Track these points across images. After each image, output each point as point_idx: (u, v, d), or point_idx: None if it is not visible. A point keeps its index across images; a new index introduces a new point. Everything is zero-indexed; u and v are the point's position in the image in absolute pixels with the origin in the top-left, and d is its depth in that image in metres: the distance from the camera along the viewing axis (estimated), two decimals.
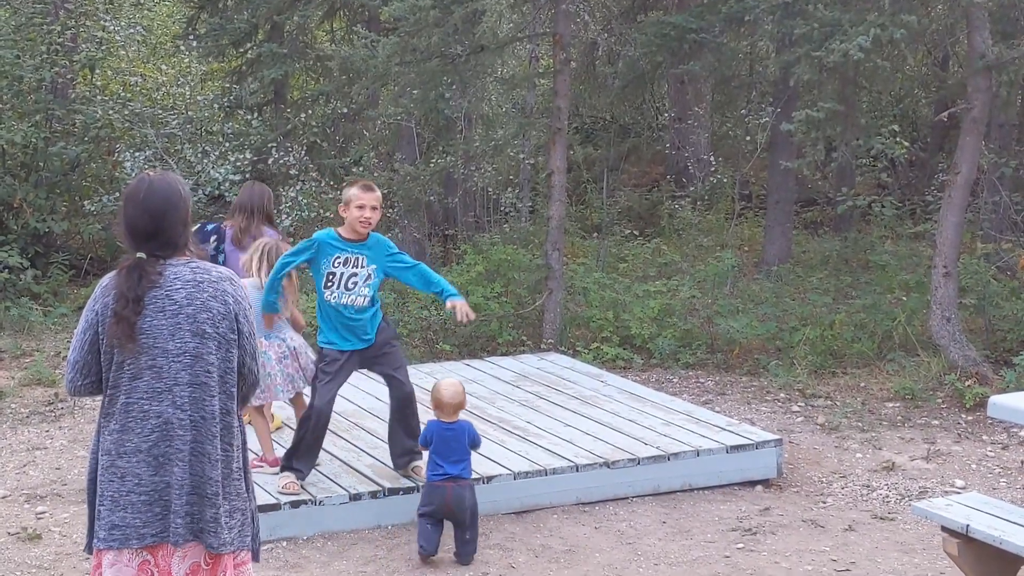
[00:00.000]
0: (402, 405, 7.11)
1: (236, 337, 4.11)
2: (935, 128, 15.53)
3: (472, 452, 6.66)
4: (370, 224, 6.93)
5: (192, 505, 4.03)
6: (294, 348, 7.25)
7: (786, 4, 10.13)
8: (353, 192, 6.95)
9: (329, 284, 6.92)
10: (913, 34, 9.90)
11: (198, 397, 4.04)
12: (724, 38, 12.48)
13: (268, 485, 6.92)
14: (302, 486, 6.94)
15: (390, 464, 7.28)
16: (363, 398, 8.73)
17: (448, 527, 6.57)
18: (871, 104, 15.62)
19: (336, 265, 6.90)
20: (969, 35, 9.90)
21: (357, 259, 6.94)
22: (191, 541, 4.03)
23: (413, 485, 7.00)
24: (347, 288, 6.91)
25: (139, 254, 4.06)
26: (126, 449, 4.03)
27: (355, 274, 6.93)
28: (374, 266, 6.96)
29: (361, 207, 6.88)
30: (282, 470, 7.01)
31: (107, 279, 4.11)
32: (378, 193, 7.01)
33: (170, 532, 4.02)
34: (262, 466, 7.11)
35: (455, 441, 6.53)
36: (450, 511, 6.48)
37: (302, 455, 6.99)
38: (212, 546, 4.04)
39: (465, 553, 6.51)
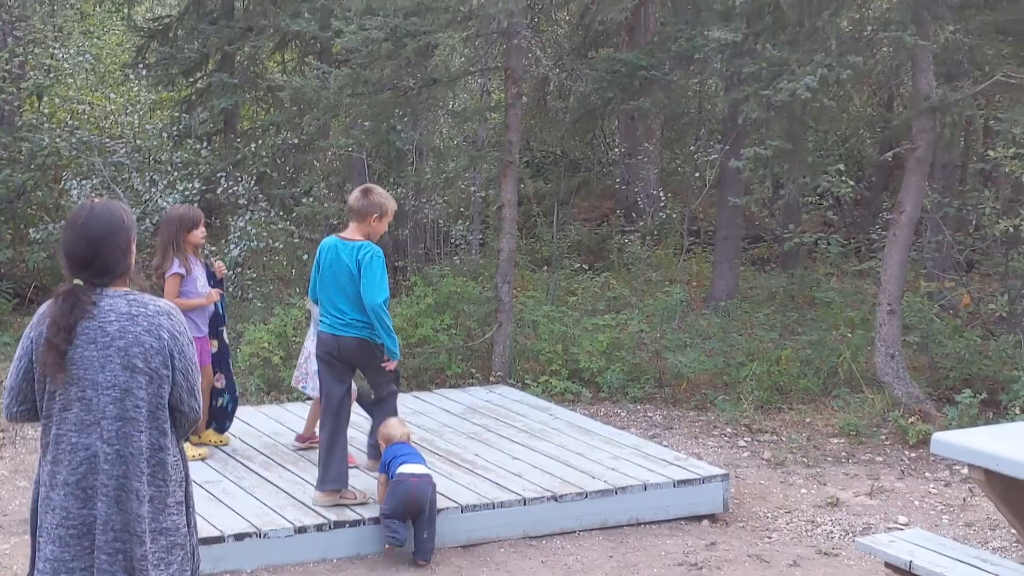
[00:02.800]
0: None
1: (169, 373, 4.03)
2: (880, 167, 15.75)
3: None
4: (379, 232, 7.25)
5: (122, 542, 3.94)
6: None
7: (735, 43, 10.24)
8: (394, 207, 7.24)
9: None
10: (859, 75, 10.05)
11: (126, 432, 3.97)
12: (674, 76, 12.61)
13: (212, 517, 6.86)
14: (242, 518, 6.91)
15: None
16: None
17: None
18: (818, 143, 15.81)
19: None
20: (914, 77, 10.06)
21: None
22: None
23: (359, 518, 6.97)
24: None
25: (76, 281, 4.01)
26: (56, 481, 3.97)
27: None
28: None
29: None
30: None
31: (44, 307, 4.05)
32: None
33: (94, 569, 3.94)
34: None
35: (412, 452, 7.04)
36: (414, 503, 6.74)
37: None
38: None
39: (424, 551, 6.75)
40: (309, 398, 8.41)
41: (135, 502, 3.95)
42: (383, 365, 7.15)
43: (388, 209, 7.13)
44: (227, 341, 8.42)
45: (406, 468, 6.90)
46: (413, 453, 7.07)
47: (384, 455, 7.09)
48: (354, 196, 7.18)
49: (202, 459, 7.97)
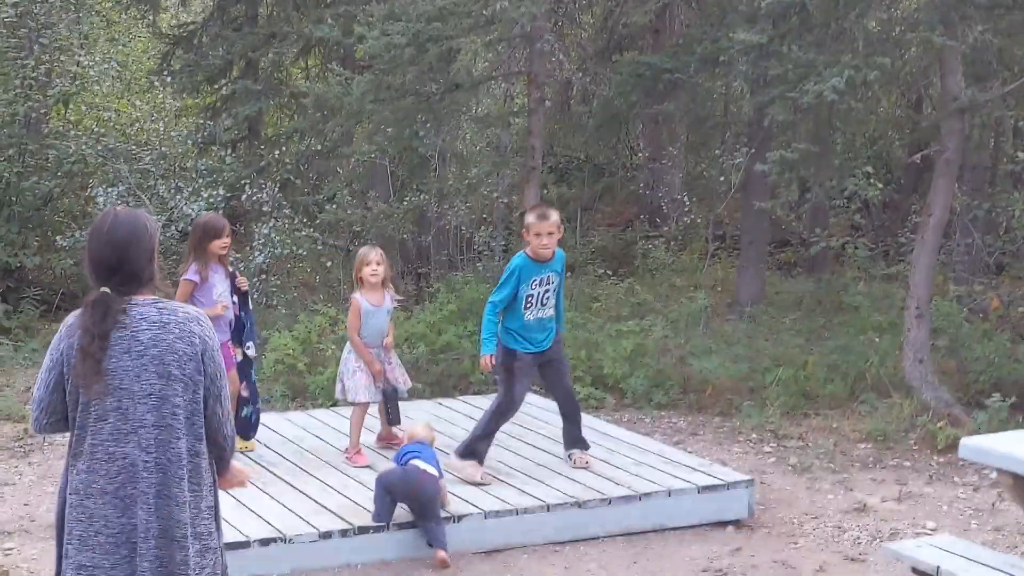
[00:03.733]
0: (567, 399, 8.06)
1: (202, 378, 4.06)
2: (908, 170, 15.64)
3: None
4: (549, 249, 7.71)
5: (161, 548, 3.97)
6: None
7: (761, 45, 10.17)
8: (531, 220, 7.78)
9: (529, 305, 7.72)
10: (887, 76, 9.97)
11: (164, 439, 3.99)
12: (699, 79, 12.53)
13: (238, 523, 6.85)
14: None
15: (361, 503, 7.23)
16: (334, 435, 8.67)
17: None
18: (845, 145, 15.69)
19: (534, 287, 7.72)
20: (942, 78, 9.97)
21: (548, 277, 7.80)
22: None
23: (383, 524, 6.94)
24: (542, 304, 7.78)
25: (103, 289, 4.01)
26: (93, 491, 3.98)
27: (547, 290, 7.79)
28: (557, 279, 7.86)
29: (538, 235, 7.69)
30: (463, 457, 7.73)
31: (71, 318, 4.06)
32: (554, 218, 7.75)
33: (137, 575, 3.95)
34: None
35: (427, 450, 7.26)
36: (416, 497, 6.90)
37: (482, 441, 7.78)
38: None
39: (437, 537, 6.83)
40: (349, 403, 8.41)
41: (175, 508, 3.99)
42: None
43: (529, 226, 7.77)
44: (253, 354, 8.42)
45: (418, 463, 7.05)
46: (430, 454, 7.21)
47: (401, 449, 7.39)
48: None
49: (250, 450, 8.23)
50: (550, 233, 7.70)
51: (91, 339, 3.94)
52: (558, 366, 8.00)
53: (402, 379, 8.36)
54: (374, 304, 8.11)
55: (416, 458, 7.12)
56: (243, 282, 8.33)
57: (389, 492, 6.95)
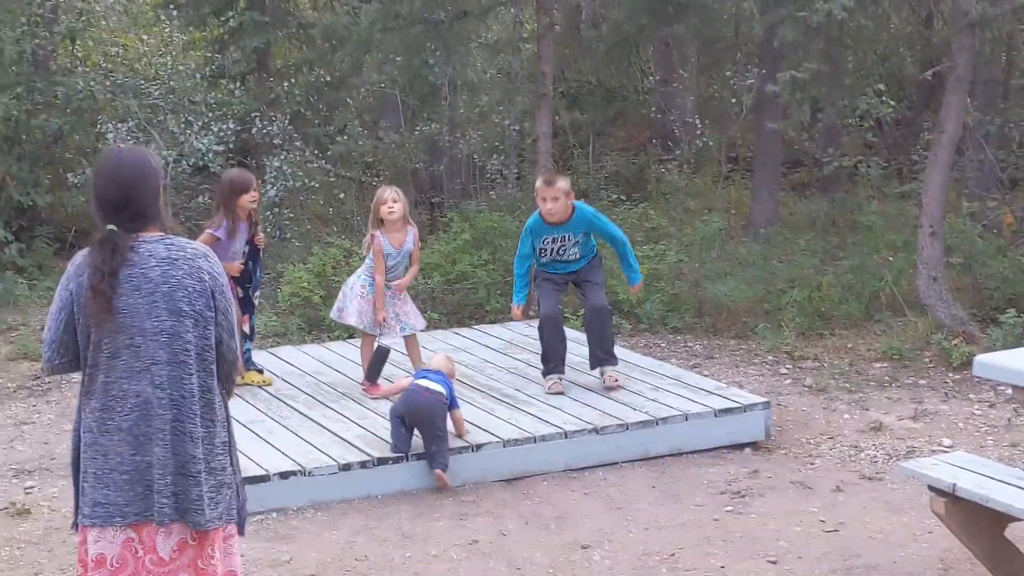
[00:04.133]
0: (593, 316, 8.19)
1: (213, 314, 4.07)
2: (920, 87, 15.48)
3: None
4: (553, 213, 8.05)
5: (176, 485, 4.00)
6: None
7: None
8: (538, 185, 8.22)
9: (542, 255, 8.23)
10: None
11: (177, 376, 4.01)
12: (708, 0, 12.41)
13: (258, 457, 6.92)
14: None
15: (379, 434, 7.29)
16: (351, 368, 8.72)
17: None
18: (856, 64, 15.52)
19: (546, 243, 8.17)
20: None
21: (563, 237, 8.17)
22: (176, 521, 4.01)
23: (402, 455, 7.01)
24: (558, 255, 8.23)
25: (110, 227, 4.02)
26: (107, 428, 4.01)
27: (563, 246, 8.20)
28: (579, 237, 8.18)
29: (544, 200, 8.07)
30: (545, 375, 8.18)
31: (79, 257, 4.06)
32: (559, 184, 8.07)
33: (154, 512, 3.99)
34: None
35: (440, 376, 7.28)
36: (418, 413, 7.01)
37: (551, 356, 8.17)
38: (199, 524, 4.02)
39: (438, 462, 6.95)
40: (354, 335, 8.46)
41: (190, 444, 4.01)
42: None
43: (537, 190, 8.24)
44: (255, 303, 8.47)
45: (424, 382, 7.16)
46: (441, 379, 7.26)
47: (417, 372, 7.55)
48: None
49: (267, 385, 8.36)
50: (555, 199, 8.01)
51: (100, 277, 3.94)
52: (587, 286, 8.35)
53: (414, 319, 8.39)
54: (394, 246, 8.14)
55: (424, 378, 7.20)
56: (261, 239, 8.38)
57: (401, 419, 7.03)
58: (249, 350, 8.41)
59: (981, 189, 11.90)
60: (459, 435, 7.19)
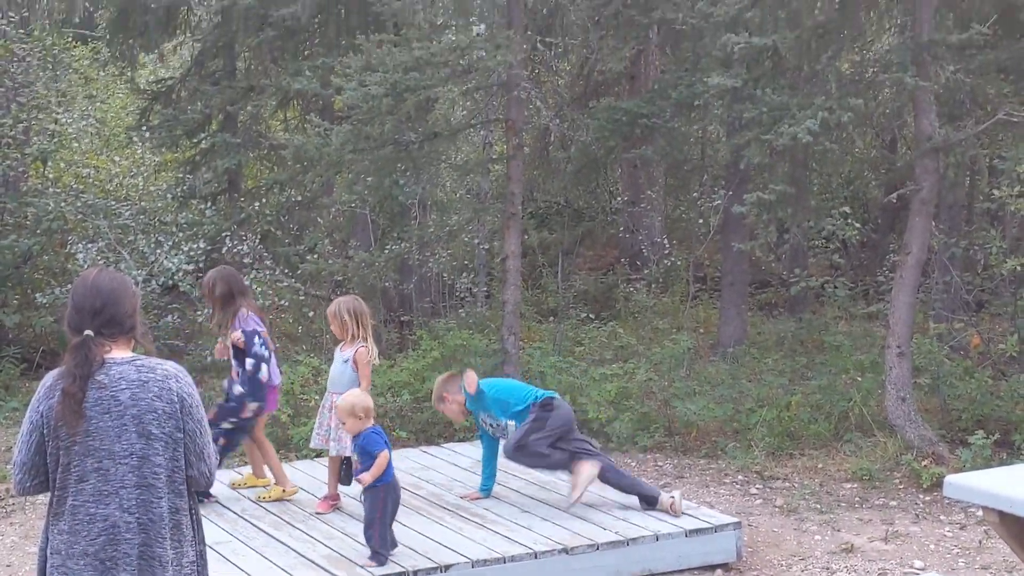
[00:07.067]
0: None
1: (182, 436, 4.05)
2: (885, 209, 15.74)
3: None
4: (451, 416, 8.70)
5: None
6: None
7: (735, 89, 10.25)
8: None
9: (494, 432, 8.40)
10: (860, 117, 10.05)
11: (146, 500, 3.98)
12: (675, 123, 12.61)
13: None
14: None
15: (345, 554, 7.20)
16: (318, 487, 8.63)
17: None
18: (822, 186, 15.79)
19: (484, 423, 8.42)
20: (916, 118, 10.05)
21: (482, 419, 8.40)
22: None
23: None
24: (501, 431, 8.37)
25: (87, 332, 4.01)
26: (74, 552, 3.96)
27: (493, 424, 8.36)
28: (490, 416, 8.33)
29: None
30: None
31: (49, 379, 4.05)
32: (439, 395, 8.49)
33: None
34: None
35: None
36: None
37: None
38: None
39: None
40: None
41: (159, 568, 3.98)
42: None
43: None
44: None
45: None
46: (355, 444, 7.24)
47: (372, 431, 7.17)
48: None
49: (293, 496, 8.38)
50: (448, 408, 8.49)
51: (72, 379, 3.94)
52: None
53: (346, 440, 7.97)
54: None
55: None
56: (220, 349, 8.43)
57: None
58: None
59: (947, 311, 12.02)
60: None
